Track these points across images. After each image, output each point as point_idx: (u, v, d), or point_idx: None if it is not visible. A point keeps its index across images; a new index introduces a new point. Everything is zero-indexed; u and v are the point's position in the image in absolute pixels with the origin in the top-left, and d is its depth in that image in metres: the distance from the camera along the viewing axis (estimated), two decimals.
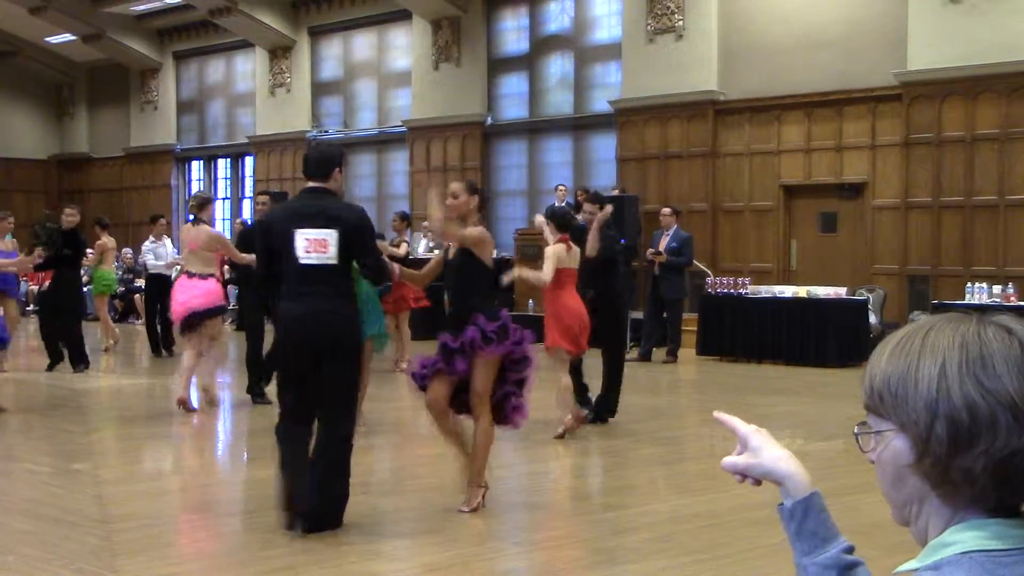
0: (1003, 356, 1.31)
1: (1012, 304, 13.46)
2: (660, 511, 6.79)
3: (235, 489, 7.71)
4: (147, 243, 17.10)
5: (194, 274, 10.56)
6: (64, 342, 13.69)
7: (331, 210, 6.05)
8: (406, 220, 14.62)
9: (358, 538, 6.08)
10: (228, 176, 27.57)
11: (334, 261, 5.99)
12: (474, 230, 6.52)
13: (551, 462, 8.66)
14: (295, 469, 5.91)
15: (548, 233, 9.30)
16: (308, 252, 5.99)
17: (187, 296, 10.50)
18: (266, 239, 6.21)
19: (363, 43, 23.90)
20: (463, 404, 6.57)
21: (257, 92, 25.69)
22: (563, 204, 18.07)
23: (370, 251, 6.23)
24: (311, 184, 6.21)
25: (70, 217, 13.63)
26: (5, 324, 11.37)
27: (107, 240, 16.28)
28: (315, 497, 5.89)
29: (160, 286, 16.16)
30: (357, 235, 6.06)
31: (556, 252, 9.07)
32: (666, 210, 15.73)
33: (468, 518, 6.41)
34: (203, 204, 11.01)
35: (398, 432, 10.00)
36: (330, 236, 5.98)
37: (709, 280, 15.98)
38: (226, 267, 22.50)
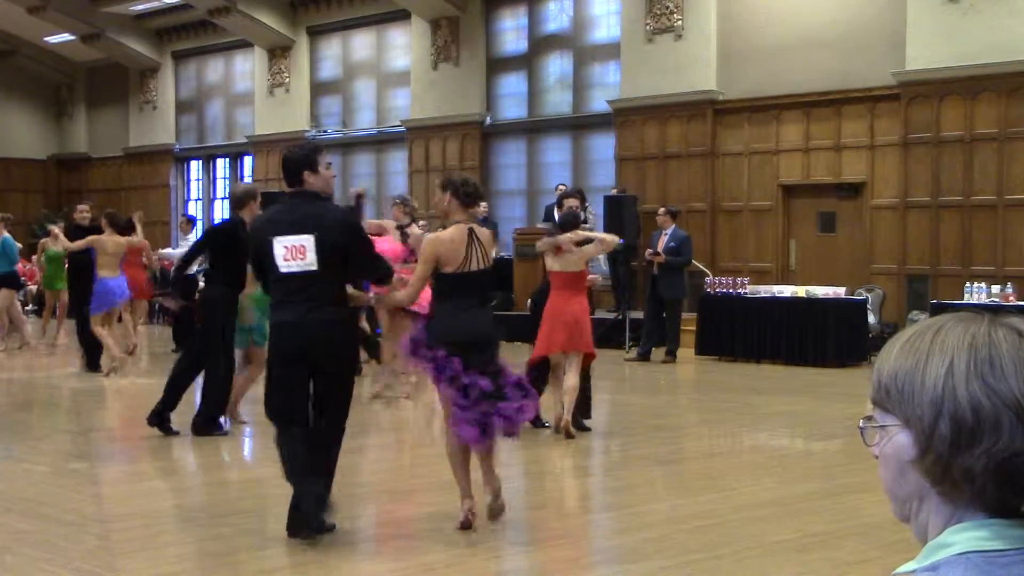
0: (1011, 358, 1.32)
1: (1011, 304, 13.45)
2: (659, 511, 6.78)
3: (234, 489, 7.71)
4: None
5: None
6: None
7: (309, 215, 5.85)
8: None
9: (357, 538, 6.08)
10: (227, 176, 27.56)
11: (314, 268, 5.81)
12: (424, 238, 6.33)
13: (550, 462, 8.66)
14: (297, 473, 5.88)
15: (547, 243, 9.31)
16: (287, 260, 5.84)
17: None
18: (255, 250, 6.08)
19: (362, 43, 23.90)
20: None
21: (256, 92, 25.67)
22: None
23: (359, 253, 6.03)
24: (291, 189, 6.08)
25: (83, 214, 13.81)
26: None
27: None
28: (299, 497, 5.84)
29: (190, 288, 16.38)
30: (339, 239, 5.84)
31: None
32: (661, 210, 15.72)
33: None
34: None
35: (397, 432, 10.01)
36: (307, 242, 5.80)
37: (708, 280, 15.97)
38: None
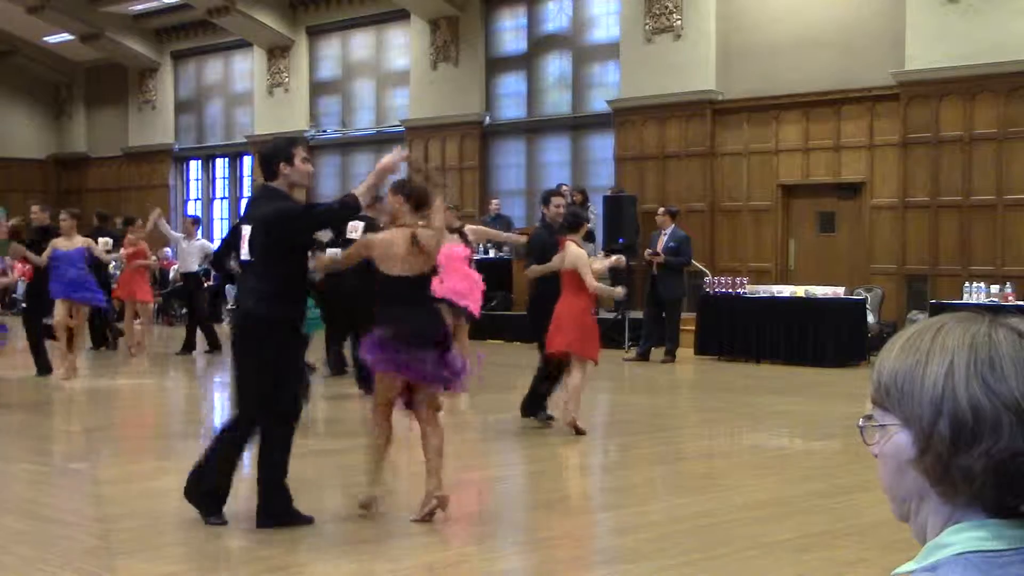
0: (1012, 358, 1.32)
1: (1010, 304, 13.46)
2: (658, 511, 6.79)
3: (233, 489, 7.69)
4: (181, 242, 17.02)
5: None
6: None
7: (256, 208, 6.24)
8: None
9: (356, 537, 6.08)
10: (227, 176, 27.57)
11: (248, 257, 6.16)
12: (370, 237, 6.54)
13: (549, 462, 8.66)
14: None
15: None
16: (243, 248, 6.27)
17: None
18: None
19: (361, 43, 23.90)
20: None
21: (255, 92, 25.68)
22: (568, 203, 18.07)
23: (300, 231, 6.18)
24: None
25: (35, 215, 13.71)
26: None
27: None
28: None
29: (194, 286, 16.40)
30: (265, 230, 6.04)
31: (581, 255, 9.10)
32: (660, 210, 15.73)
33: (467, 517, 6.41)
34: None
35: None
36: (247, 233, 6.18)
37: (707, 280, 15.98)
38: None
